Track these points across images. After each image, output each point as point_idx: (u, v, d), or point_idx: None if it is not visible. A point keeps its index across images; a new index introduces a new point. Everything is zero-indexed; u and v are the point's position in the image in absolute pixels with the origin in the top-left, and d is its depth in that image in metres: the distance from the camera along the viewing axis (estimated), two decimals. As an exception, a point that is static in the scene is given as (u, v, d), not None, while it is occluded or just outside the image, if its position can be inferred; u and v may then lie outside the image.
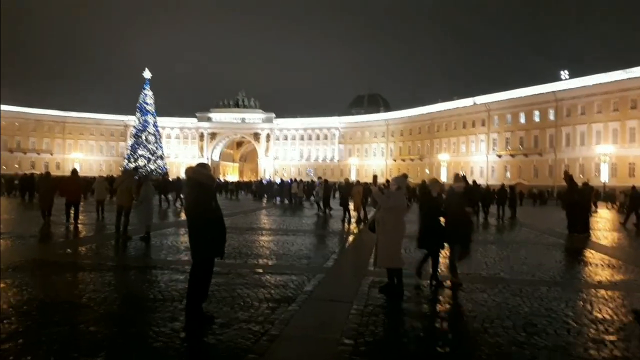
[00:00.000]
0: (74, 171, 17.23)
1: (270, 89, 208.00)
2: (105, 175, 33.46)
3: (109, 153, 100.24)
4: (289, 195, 33.38)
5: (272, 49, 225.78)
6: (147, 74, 66.84)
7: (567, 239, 14.97)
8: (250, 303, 6.31)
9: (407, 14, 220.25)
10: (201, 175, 5.73)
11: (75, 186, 16.17)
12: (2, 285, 6.98)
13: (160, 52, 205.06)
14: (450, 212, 7.76)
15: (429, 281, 7.73)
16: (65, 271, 8.19)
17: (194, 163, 6.29)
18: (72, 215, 15.32)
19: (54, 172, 42.80)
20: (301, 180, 39.45)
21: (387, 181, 23.15)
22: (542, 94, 65.26)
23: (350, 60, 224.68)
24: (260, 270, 8.65)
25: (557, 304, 6.69)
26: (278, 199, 35.22)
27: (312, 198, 29.83)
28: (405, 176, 7.83)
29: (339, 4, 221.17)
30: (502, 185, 24.69)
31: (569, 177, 16.35)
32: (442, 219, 7.85)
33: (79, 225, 15.13)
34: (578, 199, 15.65)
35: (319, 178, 36.94)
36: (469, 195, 10.59)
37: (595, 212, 25.37)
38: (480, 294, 7.16)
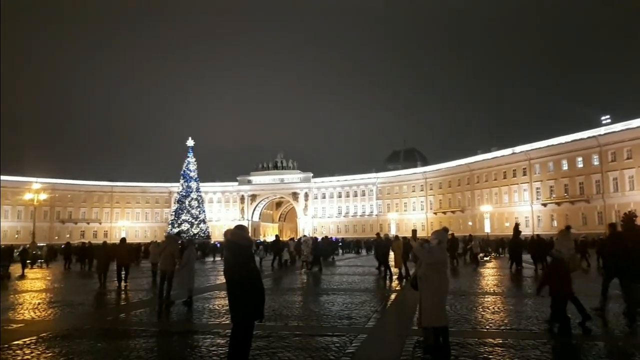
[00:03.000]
0: (123, 239, 19.30)
1: (308, 149, 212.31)
2: (150, 240, 34.35)
3: (154, 219, 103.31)
4: (288, 254, 29.73)
5: (308, 110, 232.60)
6: (190, 143, 69.76)
7: (623, 289, 14.07)
8: (291, 367, 6.18)
9: (440, 67, 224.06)
10: (239, 237, 5.83)
11: (124, 252, 18.07)
12: (50, 354, 7.16)
13: (201, 121, 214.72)
14: None
15: None
16: (111, 338, 8.32)
17: (233, 225, 6.43)
18: (122, 277, 17.39)
19: (102, 240, 44.42)
20: (302, 238, 35.62)
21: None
22: (584, 139, 63.86)
23: (385, 116, 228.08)
24: (301, 333, 8.51)
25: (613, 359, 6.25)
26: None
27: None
28: (445, 230, 7.55)
29: (374, 61, 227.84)
30: (538, 236, 24.43)
31: (629, 219, 14.66)
32: None
33: (128, 292, 15.81)
34: (631, 246, 14.67)
35: (304, 235, 35.43)
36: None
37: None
38: (532, 351, 6.78)
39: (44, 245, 49.36)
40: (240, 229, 6.02)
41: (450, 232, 9.71)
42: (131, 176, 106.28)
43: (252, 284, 5.62)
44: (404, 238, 22.63)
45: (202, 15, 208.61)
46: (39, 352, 7.23)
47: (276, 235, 31.42)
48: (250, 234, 6.65)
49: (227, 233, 6.01)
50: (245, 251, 5.83)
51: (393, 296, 14.00)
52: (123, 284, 17.17)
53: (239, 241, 5.81)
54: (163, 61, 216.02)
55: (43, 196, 48.68)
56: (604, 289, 9.96)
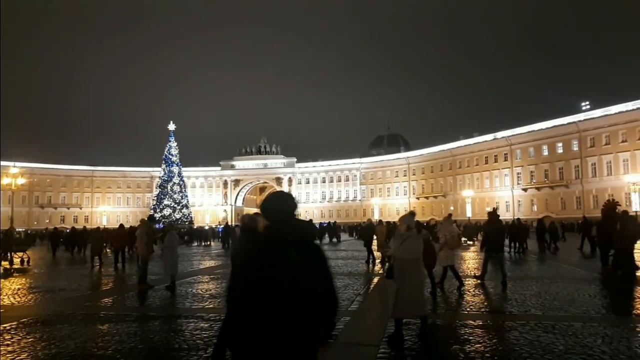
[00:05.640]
0: (121, 225, 21.10)
1: (291, 134, 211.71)
2: (132, 225, 34.16)
3: (136, 204, 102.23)
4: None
5: (292, 95, 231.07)
6: (171, 127, 68.93)
7: (601, 272, 14.44)
8: (275, 349, 6.22)
9: (424, 53, 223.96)
10: (255, 223, 5.96)
11: (121, 236, 19.53)
12: (30, 339, 7.09)
13: (183, 105, 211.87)
14: None
15: None
16: (92, 323, 8.26)
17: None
18: (119, 259, 18.93)
19: (83, 225, 44.04)
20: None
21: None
22: (564, 125, 64.80)
23: (369, 102, 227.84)
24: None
25: (592, 340, 6.43)
26: None
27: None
28: (412, 214, 7.26)
29: (358, 47, 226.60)
30: (519, 220, 25.68)
31: (611, 207, 14.72)
32: None
33: (114, 276, 15.56)
34: (604, 232, 14.88)
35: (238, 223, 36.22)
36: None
37: None
38: (511, 332, 6.93)
39: (22, 231, 48.56)
40: (259, 215, 6.18)
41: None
42: (112, 160, 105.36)
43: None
44: (387, 223, 22.80)
45: (189, 9, 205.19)
46: (20, 338, 7.16)
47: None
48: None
49: (246, 217, 6.18)
50: (258, 237, 5.91)
51: (376, 280, 14.14)
52: (119, 265, 18.44)
53: (255, 227, 5.94)
54: (146, 48, 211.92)
55: (21, 180, 47.64)
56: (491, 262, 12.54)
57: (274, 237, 2.58)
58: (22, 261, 20.53)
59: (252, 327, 2.41)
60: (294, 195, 2.84)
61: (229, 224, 48.34)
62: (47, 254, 27.85)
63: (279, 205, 2.69)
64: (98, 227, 24.22)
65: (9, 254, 21.16)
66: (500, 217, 16.99)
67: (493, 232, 12.59)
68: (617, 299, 10.19)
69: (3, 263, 20.47)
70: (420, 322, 6.78)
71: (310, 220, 3.40)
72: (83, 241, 28.92)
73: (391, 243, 6.98)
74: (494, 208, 13.88)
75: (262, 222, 2.76)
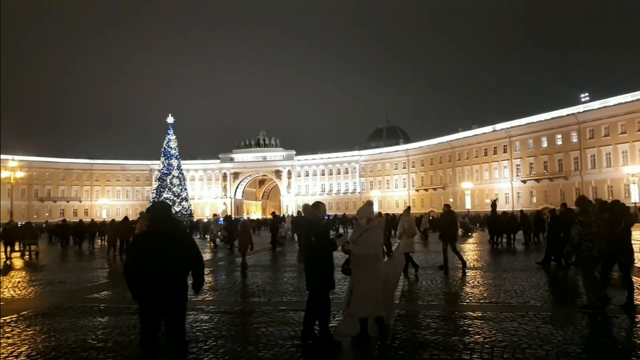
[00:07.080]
0: (126, 217, 22.12)
1: (291, 127, 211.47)
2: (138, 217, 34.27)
3: (135, 197, 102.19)
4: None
5: (291, 88, 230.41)
6: (170, 119, 68.78)
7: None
8: (275, 342, 6.24)
9: (424, 46, 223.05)
10: (309, 213, 6.24)
11: (126, 228, 20.16)
12: (30, 331, 7.10)
13: (182, 98, 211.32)
14: None
15: None
16: (92, 315, 8.26)
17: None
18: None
19: (84, 218, 44.09)
20: (213, 217, 36.05)
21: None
22: (563, 117, 64.65)
23: (368, 94, 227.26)
24: (284, 308, 8.58)
25: (591, 330, 6.45)
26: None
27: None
28: (370, 204, 6.65)
29: (356, 39, 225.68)
30: (521, 212, 26.14)
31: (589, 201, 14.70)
32: None
33: (106, 268, 15.68)
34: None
35: (214, 215, 37.07)
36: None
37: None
38: (510, 323, 6.95)
39: (21, 224, 48.44)
40: (314, 206, 6.40)
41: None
42: (111, 154, 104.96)
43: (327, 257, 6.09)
44: (387, 215, 22.79)
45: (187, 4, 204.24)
46: (20, 330, 7.17)
47: (273, 212, 31.72)
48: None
49: (306, 207, 6.78)
50: (313, 226, 6.19)
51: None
52: (123, 257, 18.51)
53: (310, 217, 6.32)
54: (146, 41, 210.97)
55: (20, 174, 47.57)
56: (453, 251, 13.56)
57: (153, 230, 4.31)
58: (35, 254, 20.89)
59: (144, 288, 4.25)
60: (170, 203, 3.99)
61: (231, 216, 48.21)
62: (47, 247, 27.89)
63: (159, 209, 4.49)
64: (113, 220, 25.99)
65: (23, 246, 21.60)
66: (500, 209, 17.35)
67: (450, 223, 14.01)
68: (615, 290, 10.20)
69: (13, 255, 20.73)
70: (377, 323, 6.25)
71: (182, 221, 4.37)
72: (90, 234, 29.11)
73: (350, 236, 6.37)
74: (447, 204, 15.07)
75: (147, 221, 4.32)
